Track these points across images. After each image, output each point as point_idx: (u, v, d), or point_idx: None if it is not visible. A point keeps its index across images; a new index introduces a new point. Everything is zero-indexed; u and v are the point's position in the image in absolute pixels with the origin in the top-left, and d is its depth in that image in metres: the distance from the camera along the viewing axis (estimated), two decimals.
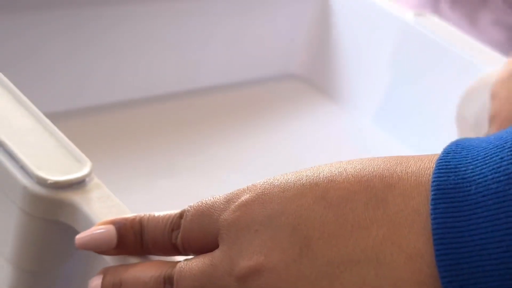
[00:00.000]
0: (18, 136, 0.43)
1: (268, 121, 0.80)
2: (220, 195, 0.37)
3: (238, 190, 0.36)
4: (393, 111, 0.81)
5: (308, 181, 0.35)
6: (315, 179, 0.35)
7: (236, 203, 0.36)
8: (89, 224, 0.39)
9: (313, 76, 0.89)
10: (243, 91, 0.83)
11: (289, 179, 0.35)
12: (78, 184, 0.41)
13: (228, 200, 0.36)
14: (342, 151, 0.78)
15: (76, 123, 0.69)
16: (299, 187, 0.35)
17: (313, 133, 0.80)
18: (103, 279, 0.37)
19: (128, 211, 0.40)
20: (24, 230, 0.41)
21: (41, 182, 0.40)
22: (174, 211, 0.38)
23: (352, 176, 0.34)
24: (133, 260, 0.38)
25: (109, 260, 0.39)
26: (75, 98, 0.71)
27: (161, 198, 0.62)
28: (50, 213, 0.40)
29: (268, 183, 0.36)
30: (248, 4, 0.80)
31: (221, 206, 0.36)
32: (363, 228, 0.33)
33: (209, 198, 0.37)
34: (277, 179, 0.36)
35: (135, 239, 0.38)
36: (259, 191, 0.35)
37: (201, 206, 0.37)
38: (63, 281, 0.44)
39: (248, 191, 0.36)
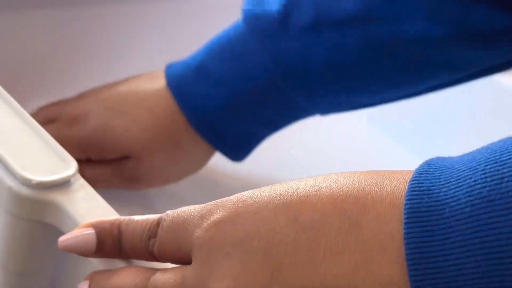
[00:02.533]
0: (2, 135, 0.43)
1: None
2: (196, 208, 0.36)
3: (212, 204, 0.36)
4: (389, 112, 0.81)
5: (281, 201, 0.34)
6: (289, 199, 0.34)
7: (209, 221, 0.35)
8: (74, 224, 0.39)
9: None
10: None
11: (262, 197, 0.35)
12: (63, 185, 0.41)
13: (202, 216, 0.36)
14: (339, 152, 0.77)
15: None
16: (272, 208, 0.34)
17: (310, 134, 0.79)
18: (89, 287, 0.38)
19: (113, 212, 0.40)
20: (9, 231, 0.41)
21: (26, 182, 0.40)
22: (152, 216, 0.38)
23: (326, 197, 0.34)
24: (119, 262, 0.38)
25: (95, 262, 0.39)
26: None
27: (147, 198, 0.62)
28: (35, 213, 0.40)
29: (241, 201, 0.35)
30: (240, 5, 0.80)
31: (195, 222, 0.36)
32: (335, 254, 0.32)
33: (185, 209, 0.37)
34: (251, 197, 0.35)
35: (113, 245, 0.38)
36: (232, 210, 0.35)
37: (176, 218, 0.36)
38: (50, 282, 0.44)
39: (221, 209, 0.35)
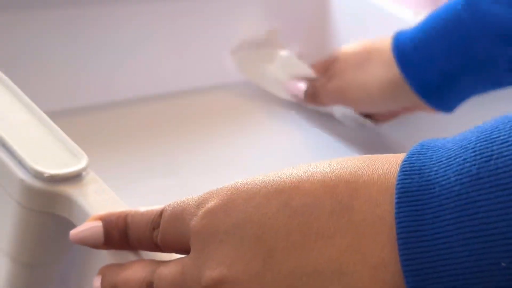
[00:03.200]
0: (15, 130, 0.43)
1: (267, 119, 0.81)
2: (193, 197, 0.37)
3: (208, 193, 0.36)
4: None
5: (273, 187, 0.34)
6: (281, 185, 0.34)
7: (204, 209, 0.35)
8: (85, 217, 0.40)
9: None
10: (239, 91, 0.83)
11: (255, 184, 0.35)
12: (74, 178, 0.41)
13: (198, 205, 0.36)
14: (342, 149, 0.78)
15: (75, 121, 0.70)
16: (264, 194, 0.34)
17: (311, 131, 0.80)
18: (101, 282, 0.38)
19: (123, 205, 0.41)
20: (21, 223, 0.42)
21: (38, 175, 0.41)
22: (156, 207, 0.38)
23: (318, 181, 0.34)
24: (129, 254, 0.39)
25: (106, 253, 0.39)
26: (73, 97, 0.71)
27: (157, 193, 0.63)
28: (47, 206, 0.41)
29: (234, 189, 0.35)
30: (243, 4, 0.80)
31: (192, 211, 0.36)
32: (327, 237, 0.32)
33: (184, 200, 0.37)
34: (244, 183, 0.35)
35: (120, 237, 0.39)
36: (225, 197, 0.35)
37: (176, 208, 0.37)
38: (60, 274, 0.44)
39: (215, 197, 0.36)
